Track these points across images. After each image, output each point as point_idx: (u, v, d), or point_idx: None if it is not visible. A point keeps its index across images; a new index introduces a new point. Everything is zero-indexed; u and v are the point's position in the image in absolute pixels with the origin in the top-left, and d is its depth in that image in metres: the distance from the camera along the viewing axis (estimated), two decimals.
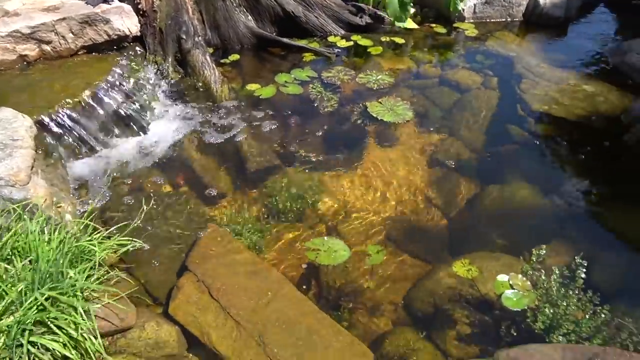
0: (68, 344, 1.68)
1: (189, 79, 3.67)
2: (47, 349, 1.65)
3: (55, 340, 1.66)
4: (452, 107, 3.64)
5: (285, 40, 4.23)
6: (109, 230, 2.13)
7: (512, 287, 2.27)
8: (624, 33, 4.73)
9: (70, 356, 1.66)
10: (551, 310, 2.06)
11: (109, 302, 1.91)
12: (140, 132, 3.23)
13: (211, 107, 3.49)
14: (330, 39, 4.42)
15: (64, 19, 3.28)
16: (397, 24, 4.57)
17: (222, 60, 4.04)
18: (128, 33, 3.58)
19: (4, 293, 1.68)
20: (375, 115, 3.47)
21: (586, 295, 2.11)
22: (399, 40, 4.46)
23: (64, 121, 2.83)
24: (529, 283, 2.27)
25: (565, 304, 2.05)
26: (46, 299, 1.69)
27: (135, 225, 2.24)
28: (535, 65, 4.11)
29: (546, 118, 3.52)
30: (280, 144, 3.23)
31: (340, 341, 2.03)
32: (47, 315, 1.67)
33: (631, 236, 2.65)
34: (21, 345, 1.60)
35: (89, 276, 1.90)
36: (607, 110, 3.55)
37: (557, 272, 2.17)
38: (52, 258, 1.80)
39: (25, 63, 3.24)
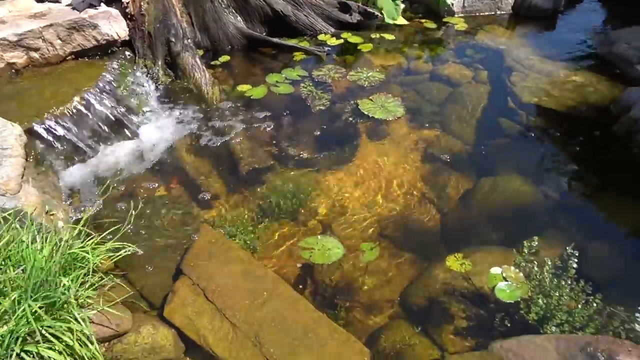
0: (64, 352, 1.68)
1: (179, 81, 3.67)
2: (42, 358, 1.65)
3: (51, 348, 1.66)
4: (444, 102, 3.65)
5: (275, 40, 4.23)
6: (101, 236, 2.13)
7: (505, 279, 2.29)
8: (612, 23, 4.76)
9: None
10: (544, 301, 2.08)
11: (104, 308, 1.91)
12: (132, 137, 3.22)
13: (202, 110, 3.49)
14: (321, 37, 4.42)
15: (51, 25, 3.27)
16: (388, 20, 4.58)
17: (212, 62, 4.04)
18: (117, 37, 3.57)
19: None
20: (366, 113, 3.48)
21: (579, 285, 2.13)
22: (389, 36, 4.47)
23: (54, 128, 2.82)
24: (521, 275, 2.29)
25: (558, 295, 2.07)
26: (40, 307, 1.69)
27: (129, 230, 2.24)
28: (524, 57, 4.12)
29: (536, 110, 3.54)
30: (273, 144, 3.24)
31: (336, 339, 2.05)
32: (42, 324, 1.67)
33: (621, 225, 2.68)
34: (16, 354, 1.60)
35: (83, 283, 1.90)
36: (597, 101, 3.57)
37: (549, 263, 2.19)
38: (45, 266, 1.80)
39: (13, 71, 3.23)
